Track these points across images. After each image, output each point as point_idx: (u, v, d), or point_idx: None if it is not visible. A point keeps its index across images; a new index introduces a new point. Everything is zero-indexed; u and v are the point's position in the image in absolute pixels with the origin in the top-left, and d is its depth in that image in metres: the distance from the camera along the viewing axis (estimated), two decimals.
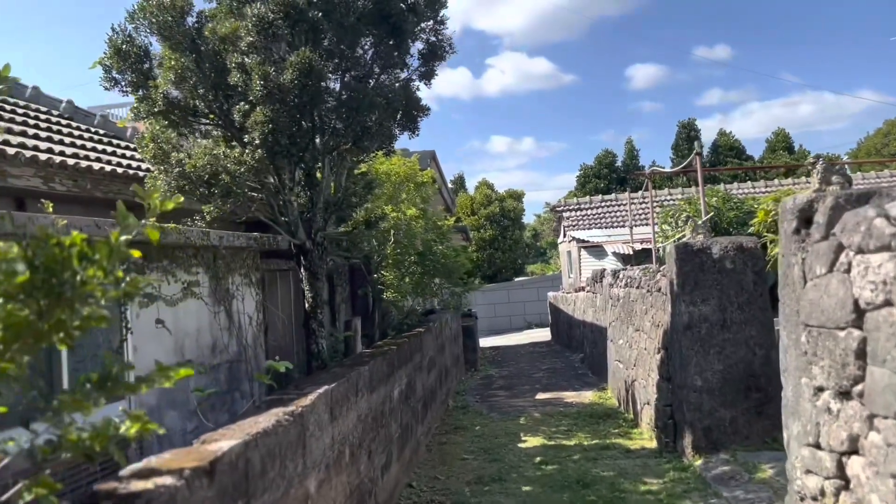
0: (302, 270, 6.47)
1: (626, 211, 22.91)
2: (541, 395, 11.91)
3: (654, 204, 22.34)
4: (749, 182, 27.52)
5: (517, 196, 37.35)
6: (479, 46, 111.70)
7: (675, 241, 12.71)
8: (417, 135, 7.95)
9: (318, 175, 6.35)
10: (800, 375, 3.97)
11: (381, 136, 6.62)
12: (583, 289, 19.24)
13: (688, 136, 38.79)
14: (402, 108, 7.25)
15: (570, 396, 11.62)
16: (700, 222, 7.25)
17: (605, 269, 12.84)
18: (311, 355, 6.37)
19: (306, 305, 6.47)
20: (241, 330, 4.97)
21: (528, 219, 51.98)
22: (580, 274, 21.87)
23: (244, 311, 5.01)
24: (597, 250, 19.57)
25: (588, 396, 11.48)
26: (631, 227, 15.63)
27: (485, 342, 26.77)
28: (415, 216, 9.19)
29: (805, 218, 4.05)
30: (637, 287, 9.60)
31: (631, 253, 16.27)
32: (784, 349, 4.22)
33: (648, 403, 8.11)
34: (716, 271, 6.54)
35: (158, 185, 5.50)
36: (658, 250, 12.75)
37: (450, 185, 42.81)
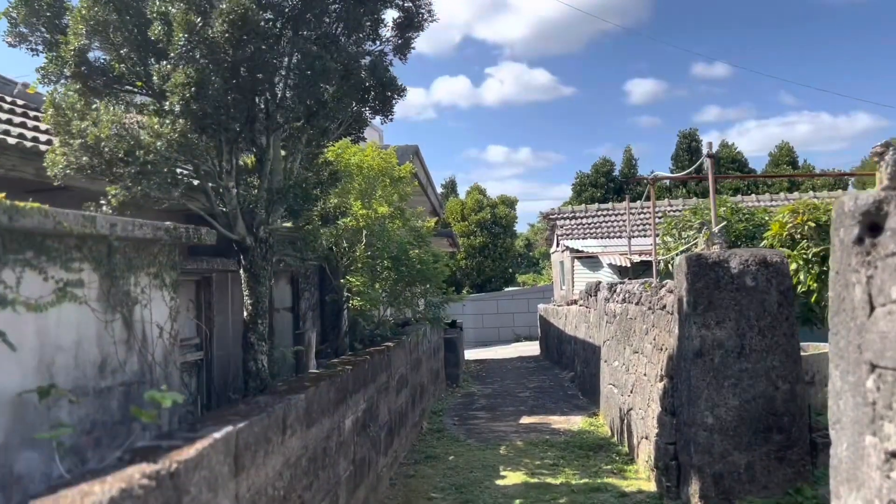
0: (242, 272, 5.50)
1: (624, 221, 22.07)
2: (526, 419, 10.94)
3: (651, 215, 21.55)
4: (753, 195, 26.77)
5: (510, 203, 36.49)
6: (480, 55, 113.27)
7: (680, 253, 11.83)
8: (391, 119, 7.00)
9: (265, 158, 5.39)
10: (861, 431, 3.02)
11: (342, 114, 5.67)
12: (575, 302, 18.33)
13: (688, 146, 38.09)
14: (373, 86, 6.33)
15: (557, 421, 10.67)
16: (716, 230, 6.34)
17: (599, 283, 11.93)
18: (249, 375, 5.40)
19: (245, 314, 5.50)
20: (147, 343, 4.04)
21: (522, 228, 51.28)
22: (573, 286, 20.96)
23: (152, 319, 4.09)
24: (592, 261, 18.68)
25: (578, 422, 10.52)
26: (629, 238, 14.74)
27: (470, 354, 25.82)
28: (388, 214, 8.22)
29: (870, 224, 3.10)
30: (637, 303, 8.67)
31: (629, 265, 15.38)
32: (836, 394, 3.27)
33: (647, 438, 7.16)
34: (734, 289, 5.62)
35: (57, 160, 4.54)
36: (659, 263, 11.84)
37: (439, 190, 41.94)
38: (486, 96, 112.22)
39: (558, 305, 20.59)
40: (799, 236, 9.49)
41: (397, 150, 10.49)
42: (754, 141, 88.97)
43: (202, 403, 7.56)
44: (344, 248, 8.83)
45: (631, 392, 8.29)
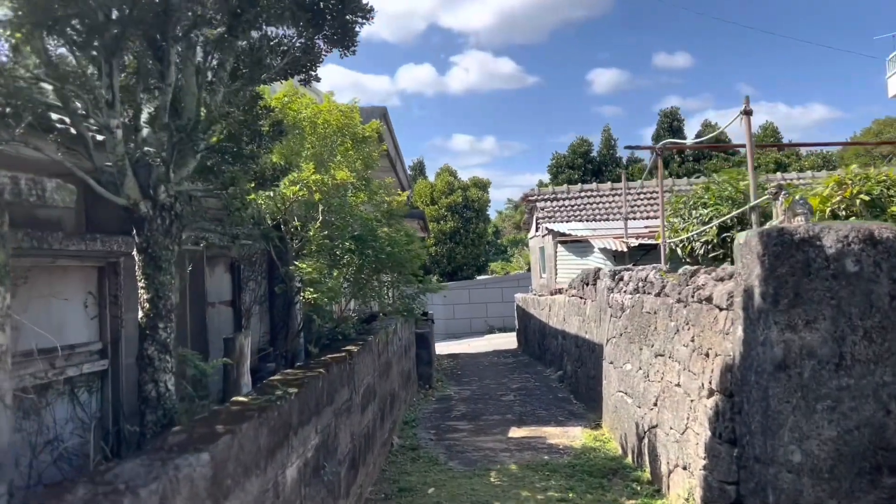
0: (136, 253, 3.87)
1: (610, 203, 20.77)
2: (516, 432, 9.47)
3: (647, 195, 20.20)
4: (702, 178, 25.68)
5: (482, 185, 35.00)
6: (445, 44, 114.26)
7: (692, 234, 10.47)
8: (353, 51, 5.44)
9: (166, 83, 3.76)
10: None
11: (280, 21, 4.05)
12: (560, 291, 16.96)
13: (670, 125, 37.04)
14: (329, 8, 4.73)
15: (554, 434, 9.22)
16: (797, 197, 4.88)
17: (599, 269, 10.50)
18: (146, 403, 3.79)
19: (140, 314, 3.87)
20: None
21: (490, 214, 50.02)
22: (555, 273, 19.59)
23: None
24: (578, 247, 17.30)
25: (578, 436, 9.09)
26: (625, 220, 13.36)
27: (442, 348, 24.36)
28: (350, 183, 6.61)
29: None
30: (658, 294, 7.24)
31: (625, 250, 14.01)
32: None
33: (686, 469, 5.74)
34: (829, 276, 4.17)
35: None
36: (667, 247, 10.45)
37: (408, 171, 40.32)
38: (451, 84, 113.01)
39: (539, 295, 19.21)
40: (846, 213, 8.16)
41: (360, 112, 8.86)
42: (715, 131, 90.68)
43: (105, 431, 5.90)
44: (295, 226, 7.20)
45: (655, 405, 6.86)
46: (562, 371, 13.91)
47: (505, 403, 11.79)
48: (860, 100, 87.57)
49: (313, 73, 5.39)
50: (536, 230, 22.94)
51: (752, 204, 7.11)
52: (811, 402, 4.16)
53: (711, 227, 9.91)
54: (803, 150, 36.61)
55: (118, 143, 3.68)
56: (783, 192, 4.74)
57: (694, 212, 10.86)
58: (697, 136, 38.05)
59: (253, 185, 4.36)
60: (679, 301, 6.45)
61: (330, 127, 7.08)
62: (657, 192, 20.66)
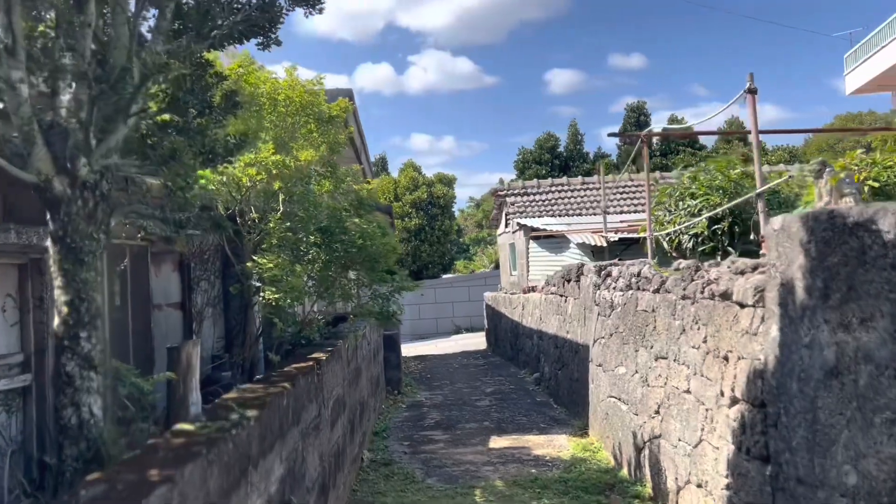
0: (49, 243, 3.08)
1: (583, 197, 20.33)
2: (496, 441, 8.84)
3: (623, 189, 19.79)
4: (676, 170, 25.54)
5: (448, 181, 34.36)
6: (403, 43, 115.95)
7: (680, 226, 9.97)
8: (321, 10, 4.77)
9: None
10: None
11: None
12: (534, 289, 16.42)
13: (637, 120, 36.93)
14: None
15: (538, 443, 8.61)
16: (843, 176, 4.31)
17: (583, 265, 9.93)
18: (65, 432, 3.02)
19: (56, 321, 3.09)
20: None
21: (455, 212, 49.55)
22: (527, 270, 19.05)
23: None
24: (552, 242, 16.77)
25: (564, 445, 8.50)
26: (604, 214, 12.86)
27: (408, 350, 23.65)
28: (315, 167, 5.87)
29: None
30: (656, 290, 6.67)
31: (605, 245, 13.50)
32: None
33: (702, 486, 5.16)
34: (888, 266, 3.61)
35: None
36: (653, 240, 9.95)
37: (372, 165, 39.44)
38: (409, 84, 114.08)
39: (511, 293, 18.65)
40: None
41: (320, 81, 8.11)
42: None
43: (28, 458, 5.07)
44: (253, 218, 6.43)
45: (657, 413, 6.28)
46: (538, 373, 13.34)
47: (481, 409, 11.15)
48: (811, 100, 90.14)
49: (273, 36, 4.65)
50: (506, 226, 22.39)
51: (759, 191, 6.60)
52: (868, 414, 3.59)
53: (702, 219, 9.43)
54: (769, 144, 36.88)
55: (23, 103, 2.90)
56: (827, 170, 4.19)
57: (681, 203, 10.39)
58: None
59: (200, 160, 3.61)
60: (685, 298, 5.88)
61: (292, 105, 6.33)
62: (634, 186, 20.32)
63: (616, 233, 13.85)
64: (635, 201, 19.55)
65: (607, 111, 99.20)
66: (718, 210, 8.89)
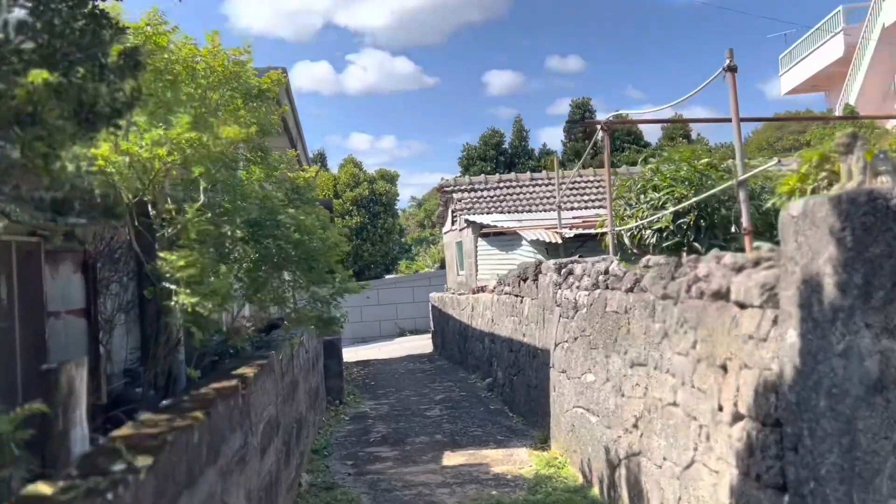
0: None
1: (532, 193, 19.84)
2: (451, 457, 8.11)
3: (568, 186, 19.31)
4: (624, 166, 25.46)
5: (390, 178, 33.47)
6: (341, 42, 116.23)
7: (641, 222, 9.46)
8: None
9: None
10: None
11: None
12: (483, 289, 15.80)
13: (582, 116, 36.87)
14: None
15: (496, 459, 7.93)
16: (878, 152, 3.73)
17: (541, 263, 9.30)
18: None
19: None
20: None
21: (398, 210, 48.82)
22: (476, 270, 18.42)
23: None
24: (503, 240, 16.17)
25: (525, 460, 7.85)
26: (559, 210, 12.29)
27: (350, 354, 22.73)
28: (237, 140, 4.99)
29: None
30: (629, 289, 6.07)
31: (559, 241, 12.94)
32: None
33: None
34: None
35: None
36: (615, 236, 9.41)
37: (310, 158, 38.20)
38: (348, 83, 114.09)
39: (459, 294, 17.98)
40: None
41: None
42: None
43: None
44: (169, 210, 5.50)
45: (635, 427, 5.66)
46: (491, 378, 12.69)
47: (432, 420, 10.41)
48: (746, 100, 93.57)
49: None
50: (453, 224, 21.73)
51: (741, 178, 6.06)
52: None
53: (667, 213, 8.93)
54: (712, 141, 37.39)
55: None
56: (860, 143, 3.62)
57: (642, 196, 9.88)
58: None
59: (75, 123, 2.75)
60: (666, 297, 5.28)
61: (214, 76, 5.44)
62: (585, 182, 19.91)
63: (571, 229, 13.33)
64: (588, 197, 19.18)
65: (545, 113, 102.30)
66: (686, 203, 8.39)
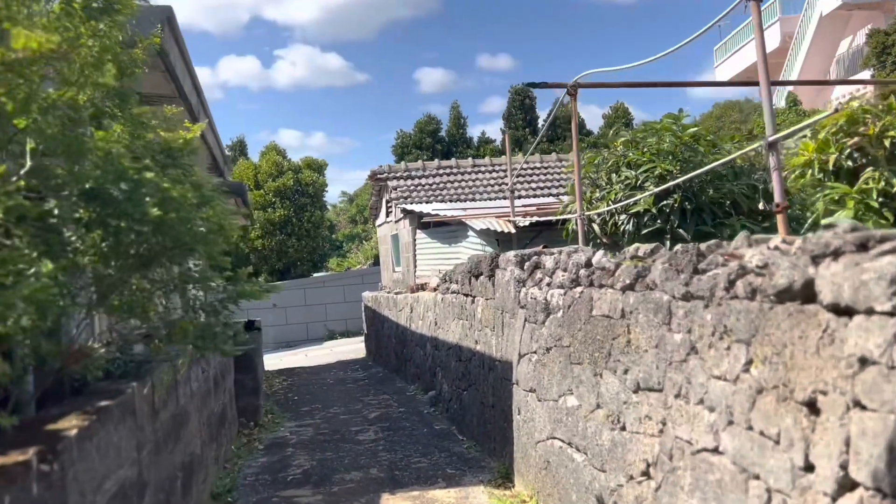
0: None
1: (474, 181, 18.44)
2: (390, 502, 6.56)
3: (516, 173, 17.92)
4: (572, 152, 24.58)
5: (317, 167, 31.53)
6: (269, 36, 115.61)
7: (623, 205, 8.11)
8: None
9: None
10: None
11: None
12: (423, 287, 14.30)
13: (521, 103, 35.81)
14: None
15: (447, 502, 6.42)
16: None
17: (497, 255, 7.84)
18: None
19: None
20: None
21: (326, 202, 46.93)
22: (414, 265, 16.88)
23: None
24: (446, 231, 14.67)
25: (484, 502, 6.37)
26: (511, 196, 10.89)
27: (272, 362, 20.88)
28: (45, 52, 3.30)
29: None
30: (628, 287, 4.67)
31: (513, 231, 11.51)
32: None
33: None
34: None
35: None
36: (584, 220, 8.05)
37: (225, 150, 35.83)
38: (277, 79, 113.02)
39: (395, 293, 16.40)
40: (860, 161, 6.11)
41: (134, 19, 5.43)
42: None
43: None
44: None
45: (645, 475, 4.24)
46: (434, 391, 11.19)
47: (366, 447, 8.82)
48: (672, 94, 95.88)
49: None
50: (387, 215, 20.14)
51: (771, 138, 4.72)
52: None
53: (648, 194, 7.63)
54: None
55: None
56: None
57: (614, 176, 8.57)
58: (549, 114, 37.19)
59: None
60: (689, 297, 3.88)
61: None
62: (535, 168, 18.62)
63: (525, 217, 11.93)
64: (538, 185, 17.93)
65: (477, 111, 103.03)
66: (678, 181, 7.08)
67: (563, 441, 5.60)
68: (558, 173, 18.68)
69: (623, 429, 4.63)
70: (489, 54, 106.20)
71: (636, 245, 5.09)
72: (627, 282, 4.71)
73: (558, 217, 9.58)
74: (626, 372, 4.64)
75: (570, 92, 8.11)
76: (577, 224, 8.56)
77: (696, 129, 8.12)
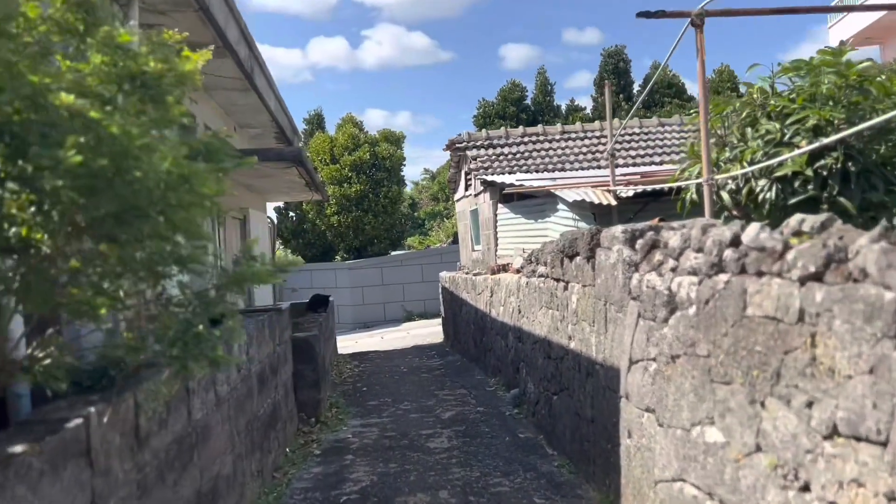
0: None
1: (563, 150, 16.79)
2: None
3: (614, 139, 16.10)
4: (676, 116, 22.31)
5: (395, 139, 30.44)
6: (357, 17, 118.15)
7: (742, 173, 6.45)
8: None
9: None
10: None
11: None
12: (505, 268, 12.91)
13: (615, 67, 33.52)
14: None
15: None
16: None
17: (599, 230, 6.33)
18: None
19: None
20: None
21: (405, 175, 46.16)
22: (495, 243, 15.48)
23: None
24: (531, 206, 13.16)
25: None
26: (612, 161, 9.30)
27: (346, 343, 20.07)
28: None
29: None
30: (810, 278, 3.13)
31: (613, 203, 9.89)
32: None
33: None
34: None
35: None
36: (713, 186, 6.44)
37: (292, 118, 35.18)
38: (364, 59, 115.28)
39: (474, 274, 15.06)
40: None
41: None
42: None
43: None
44: None
45: None
46: (518, 389, 9.83)
47: (436, 459, 7.55)
48: (796, 55, 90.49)
49: None
50: (466, 189, 18.77)
51: None
52: None
53: (800, 153, 5.95)
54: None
55: None
56: None
57: (749, 131, 6.88)
58: (646, 79, 34.77)
59: None
60: None
61: None
62: (633, 134, 16.78)
63: (628, 186, 10.26)
64: (640, 151, 16.15)
65: (563, 87, 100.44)
66: (841, 136, 5.37)
67: (697, 488, 4.12)
68: (660, 139, 16.80)
69: (806, 489, 3.12)
70: (576, 28, 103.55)
71: (799, 217, 3.54)
72: (811, 269, 3.17)
73: (672, 185, 7.94)
74: (809, 405, 3.12)
75: (694, 22, 6.45)
76: (699, 192, 6.98)
77: (867, 63, 6.30)
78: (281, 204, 30.56)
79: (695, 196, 7.48)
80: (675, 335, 4.56)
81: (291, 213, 30.34)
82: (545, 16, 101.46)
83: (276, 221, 31.36)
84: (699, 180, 6.74)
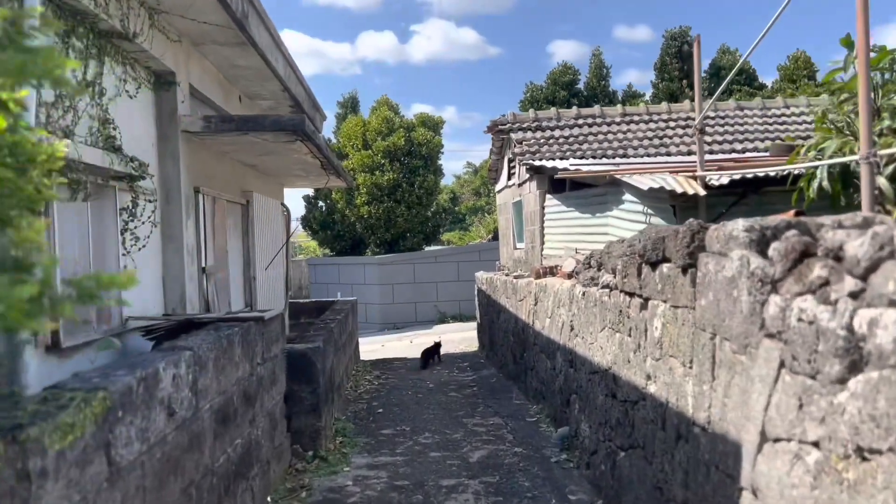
0: None
1: (624, 133, 14.75)
2: None
3: (683, 124, 13.88)
4: (758, 98, 20.21)
5: (432, 124, 28.61)
6: (406, 11, 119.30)
7: None
8: None
9: None
10: None
11: None
12: (552, 271, 11.05)
13: (679, 50, 31.13)
14: None
15: None
16: None
17: (706, 229, 4.38)
18: None
19: None
20: None
21: (446, 180, 44.52)
22: (541, 241, 13.55)
23: None
24: (586, 197, 11.17)
25: None
26: (700, 142, 7.31)
27: (370, 347, 18.38)
28: None
29: None
30: None
31: (701, 193, 7.82)
32: None
33: None
34: None
35: None
36: (875, 164, 4.46)
37: (334, 109, 33.53)
38: (412, 53, 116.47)
39: (514, 276, 13.15)
40: None
41: None
42: None
43: None
44: None
45: None
46: (568, 428, 7.94)
47: None
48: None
49: None
50: (509, 177, 16.87)
51: None
52: None
53: None
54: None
55: None
56: None
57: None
58: (712, 64, 32.35)
59: None
60: None
61: None
62: (709, 117, 14.65)
63: (719, 172, 8.18)
64: (719, 137, 14.08)
65: (613, 82, 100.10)
66: None
67: None
68: (740, 123, 14.68)
69: None
70: (627, 25, 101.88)
71: None
72: None
73: (789, 169, 5.94)
74: None
75: None
76: (834, 178, 5.03)
77: None
78: (311, 192, 29.05)
79: (826, 184, 5.51)
80: (865, 411, 2.64)
81: (321, 203, 28.79)
82: (595, 12, 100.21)
83: (303, 211, 29.84)
84: (845, 159, 4.76)
